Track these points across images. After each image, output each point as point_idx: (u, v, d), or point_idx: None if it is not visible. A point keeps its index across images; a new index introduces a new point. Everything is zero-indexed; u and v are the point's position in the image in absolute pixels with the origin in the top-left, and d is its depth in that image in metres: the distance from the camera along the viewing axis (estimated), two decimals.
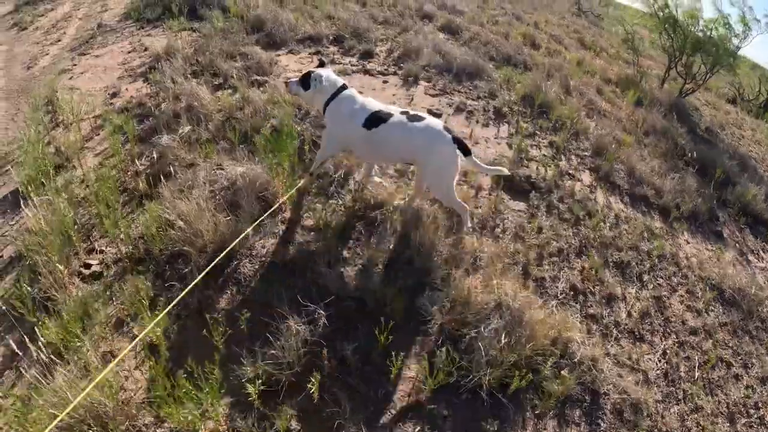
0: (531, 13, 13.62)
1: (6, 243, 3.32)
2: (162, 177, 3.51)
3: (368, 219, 3.43)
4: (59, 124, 4.42)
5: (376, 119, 2.90)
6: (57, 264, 2.73)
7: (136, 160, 3.77)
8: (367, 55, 6.42)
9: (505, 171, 3.21)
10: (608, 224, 4.10)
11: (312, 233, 3.26)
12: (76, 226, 3.12)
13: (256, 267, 2.98)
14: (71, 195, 3.42)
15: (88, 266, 2.94)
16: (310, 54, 6.10)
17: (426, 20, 8.87)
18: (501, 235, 3.60)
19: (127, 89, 5.00)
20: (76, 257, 2.98)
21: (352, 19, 7.32)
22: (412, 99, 5.48)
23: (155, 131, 4.12)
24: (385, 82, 5.77)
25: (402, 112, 2.96)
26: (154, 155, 3.81)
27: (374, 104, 3.01)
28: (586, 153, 5.19)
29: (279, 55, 5.95)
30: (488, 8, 12.21)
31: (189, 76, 5.08)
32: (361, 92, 3.21)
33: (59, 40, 6.58)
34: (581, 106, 6.34)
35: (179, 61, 5.32)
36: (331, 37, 6.71)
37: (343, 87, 3.06)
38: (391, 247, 3.25)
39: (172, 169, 3.58)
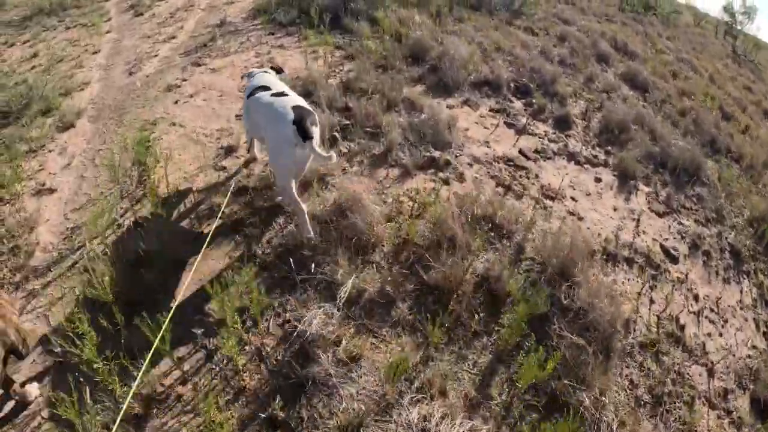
0: (697, 57, 11.59)
1: None
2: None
3: None
4: (147, 194, 2.96)
5: (255, 91, 2.76)
6: None
7: (260, 323, 2.21)
8: (563, 123, 4.64)
9: (334, 159, 2.50)
10: None
11: None
12: None
13: None
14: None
15: None
16: (492, 111, 4.37)
17: (603, 63, 7.02)
18: None
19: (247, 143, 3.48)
20: None
21: (532, 60, 5.53)
22: (638, 221, 3.66)
23: (289, 252, 2.54)
24: (598, 180, 3.98)
25: (276, 91, 2.72)
26: (289, 318, 2.24)
27: (267, 80, 2.88)
28: None
29: (452, 107, 4.26)
30: (655, 47, 10.26)
31: (337, 133, 3.50)
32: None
33: (173, 37, 5.17)
34: None
35: (322, 104, 3.76)
36: (512, 85, 4.93)
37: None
38: None
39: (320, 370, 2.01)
